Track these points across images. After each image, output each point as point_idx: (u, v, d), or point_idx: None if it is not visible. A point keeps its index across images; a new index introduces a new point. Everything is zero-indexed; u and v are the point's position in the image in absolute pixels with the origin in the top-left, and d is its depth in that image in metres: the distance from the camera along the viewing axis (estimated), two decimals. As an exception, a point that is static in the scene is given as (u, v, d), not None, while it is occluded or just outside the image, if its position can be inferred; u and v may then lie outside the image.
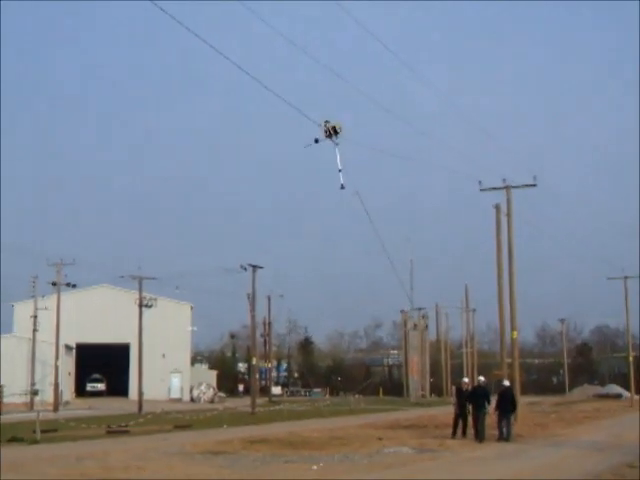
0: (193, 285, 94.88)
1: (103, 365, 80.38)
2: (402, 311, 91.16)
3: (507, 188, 37.75)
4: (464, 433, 26.29)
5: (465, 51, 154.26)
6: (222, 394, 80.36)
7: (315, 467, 18.34)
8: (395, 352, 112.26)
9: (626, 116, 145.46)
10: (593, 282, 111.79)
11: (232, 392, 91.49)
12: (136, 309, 55.25)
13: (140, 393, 53.85)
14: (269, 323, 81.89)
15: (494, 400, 26.35)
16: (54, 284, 55.49)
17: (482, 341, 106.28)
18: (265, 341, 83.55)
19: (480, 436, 25.24)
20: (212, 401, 72.21)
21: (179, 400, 74.39)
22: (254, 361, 56.04)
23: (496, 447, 23.82)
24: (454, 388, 30.61)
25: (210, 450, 22.21)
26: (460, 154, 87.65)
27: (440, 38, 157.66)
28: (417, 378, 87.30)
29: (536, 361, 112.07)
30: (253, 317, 54.18)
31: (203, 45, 16.87)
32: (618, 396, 79.77)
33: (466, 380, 29.66)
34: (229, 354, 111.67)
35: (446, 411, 37.52)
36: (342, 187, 20.20)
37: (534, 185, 37.76)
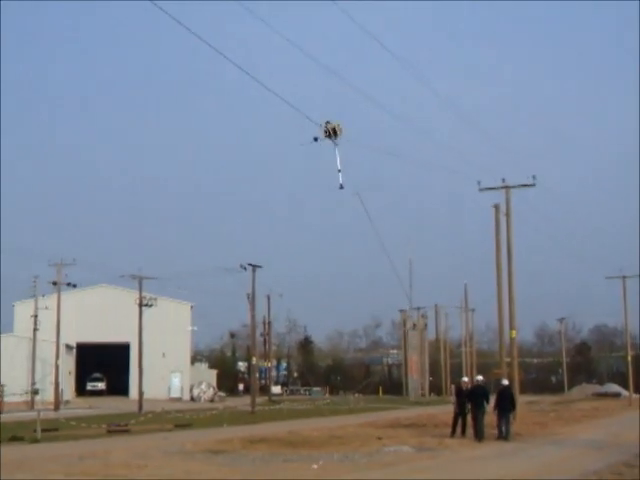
0: (193, 285, 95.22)
1: (103, 364, 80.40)
2: (401, 310, 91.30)
3: (506, 188, 37.82)
4: (463, 432, 26.34)
5: (465, 51, 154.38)
6: (222, 393, 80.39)
7: (315, 466, 18.34)
8: (394, 351, 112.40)
9: (626, 116, 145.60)
10: (592, 281, 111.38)
11: (232, 391, 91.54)
12: (136, 309, 55.31)
13: (140, 392, 53.91)
14: (269, 322, 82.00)
15: (493, 399, 26.45)
16: (54, 284, 55.62)
17: (481, 340, 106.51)
18: (265, 340, 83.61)
19: (479, 435, 25.30)
20: (212, 400, 72.26)
21: (179, 399, 74.42)
22: (254, 360, 56.15)
23: (495, 446, 23.84)
24: (454, 387, 30.71)
25: (210, 449, 22.22)
26: (460, 154, 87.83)
27: (440, 38, 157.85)
28: (416, 377, 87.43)
29: (535, 360, 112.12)
30: (253, 316, 54.30)
31: (203, 45, 16.94)
32: (617, 395, 79.91)
33: (466, 379, 29.71)
34: (229, 353, 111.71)
35: (445, 410, 37.56)
36: (341, 187, 20.39)
37: (533, 185, 37.82)
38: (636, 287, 65.42)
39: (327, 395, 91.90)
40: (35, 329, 57.81)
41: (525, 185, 37.90)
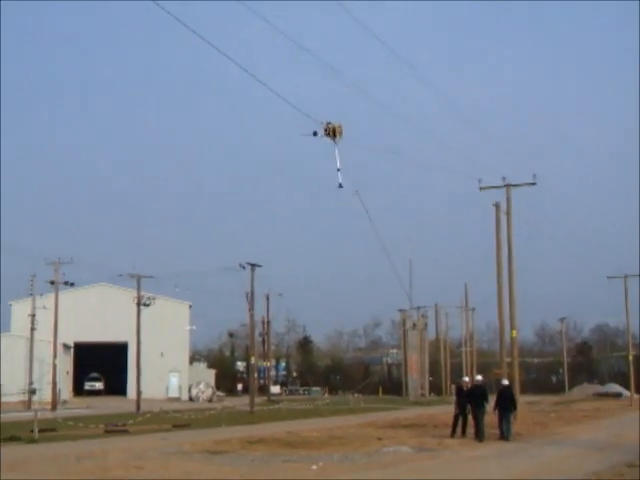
0: (192, 284, 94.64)
1: (101, 364, 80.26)
2: (401, 310, 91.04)
3: (507, 187, 37.67)
4: (464, 432, 26.22)
5: (465, 51, 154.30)
6: (221, 393, 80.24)
7: (314, 467, 18.26)
8: (394, 351, 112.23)
9: (626, 116, 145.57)
10: (593, 281, 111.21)
11: (231, 391, 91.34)
12: (134, 308, 55.13)
13: (138, 392, 53.71)
14: (268, 322, 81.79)
15: (492, 399, 26.28)
16: (52, 283, 55.37)
17: (481, 340, 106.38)
18: (264, 340, 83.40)
19: (480, 435, 25.17)
20: (210, 400, 72.08)
21: (177, 399, 74.25)
22: (253, 360, 55.93)
23: (495, 446, 23.75)
24: (454, 387, 30.55)
25: (209, 449, 22.15)
26: (460, 153, 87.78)
27: (440, 38, 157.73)
28: (416, 377, 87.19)
29: (535, 360, 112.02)
30: (252, 316, 54.11)
31: (205, 45, 16.79)
32: (618, 395, 79.60)
33: (466, 379, 29.58)
34: (228, 353, 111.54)
35: (445, 410, 37.49)
36: (340, 186, 20.45)
37: (534, 184, 37.68)
38: (637, 286, 65.33)
39: (326, 395, 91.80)
40: (32, 328, 57.62)
41: (526, 184, 37.77)
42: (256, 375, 66.16)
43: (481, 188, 38.19)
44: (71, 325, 68.08)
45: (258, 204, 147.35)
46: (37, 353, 58.26)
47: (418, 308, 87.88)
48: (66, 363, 68.97)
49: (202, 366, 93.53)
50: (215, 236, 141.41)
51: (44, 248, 63.36)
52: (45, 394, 56.28)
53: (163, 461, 19.31)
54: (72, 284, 57.53)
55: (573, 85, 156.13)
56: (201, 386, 75.63)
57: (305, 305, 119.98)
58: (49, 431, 28.86)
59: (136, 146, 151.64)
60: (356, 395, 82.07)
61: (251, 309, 52.89)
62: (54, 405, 52.83)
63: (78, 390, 77.69)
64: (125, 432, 30.39)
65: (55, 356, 55.72)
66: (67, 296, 65.19)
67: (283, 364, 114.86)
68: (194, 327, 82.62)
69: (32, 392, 56.32)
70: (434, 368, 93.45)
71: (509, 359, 38.04)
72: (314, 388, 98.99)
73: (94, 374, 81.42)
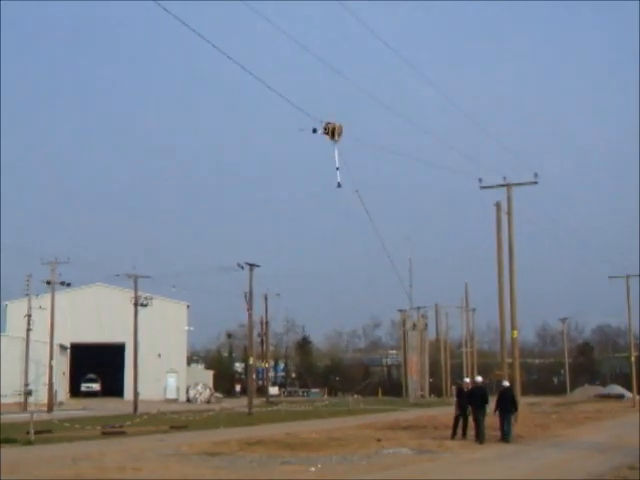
0: (189, 284, 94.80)
1: (98, 365, 79.99)
2: (401, 310, 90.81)
3: (508, 186, 37.44)
4: (464, 434, 26.03)
5: (465, 51, 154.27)
6: (219, 394, 79.98)
7: (313, 469, 18.14)
8: (394, 352, 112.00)
9: (626, 116, 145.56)
10: (594, 281, 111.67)
11: (229, 392, 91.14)
12: (131, 308, 54.90)
13: (135, 393, 53.46)
14: (266, 322, 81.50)
15: (493, 400, 26.02)
16: (48, 283, 55.02)
17: (482, 341, 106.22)
18: (262, 341, 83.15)
19: (480, 437, 24.92)
20: (208, 401, 71.85)
21: (175, 400, 74.03)
22: (251, 361, 55.67)
23: (496, 448, 23.62)
24: (455, 388, 30.29)
25: (206, 451, 22.05)
26: (460, 153, 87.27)
27: (440, 38, 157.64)
28: (416, 378, 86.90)
29: (537, 361, 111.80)
30: (250, 316, 53.82)
31: (205, 45, 16.63)
32: (620, 397, 79.18)
33: (467, 380, 29.35)
34: (226, 354, 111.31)
35: (446, 411, 37.34)
36: (339, 185, 20.33)
37: (535, 183, 37.47)
38: (639, 286, 65.06)
39: (325, 396, 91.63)
40: (28, 329, 57.33)
41: (527, 183, 37.53)
42: (254, 376, 65.96)
43: (482, 187, 38.02)
44: (68, 326, 67.90)
45: (257, 204, 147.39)
46: (33, 354, 57.96)
47: (418, 308, 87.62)
48: (62, 364, 68.67)
49: (200, 367, 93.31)
50: (213, 236, 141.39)
51: (39, 247, 63.19)
52: (41, 395, 56.00)
53: (161, 463, 19.21)
54: (69, 284, 57.25)
55: (573, 85, 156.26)
56: (199, 387, 75.39)
57: (304, 305, 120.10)
58: (45, 433, 28.59)
59: (136, 146, 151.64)
60: (355, 396, 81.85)
61: (249, 309, 52.61)
62: (50, 406, 52.51)
63: (75, 391, 77.48)
64: (122, 434, 30.18)
65: (51, 357, 55.39)
66: (64, 296, 64.90)
67: (282, 365, 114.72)
68: (192, 327, 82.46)
69: (28, 393, 56.05)
70: (434, 369, 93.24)
71: (510, 360, 37.79)
72: (313, 390, 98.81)
73: (91, 375, 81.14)
